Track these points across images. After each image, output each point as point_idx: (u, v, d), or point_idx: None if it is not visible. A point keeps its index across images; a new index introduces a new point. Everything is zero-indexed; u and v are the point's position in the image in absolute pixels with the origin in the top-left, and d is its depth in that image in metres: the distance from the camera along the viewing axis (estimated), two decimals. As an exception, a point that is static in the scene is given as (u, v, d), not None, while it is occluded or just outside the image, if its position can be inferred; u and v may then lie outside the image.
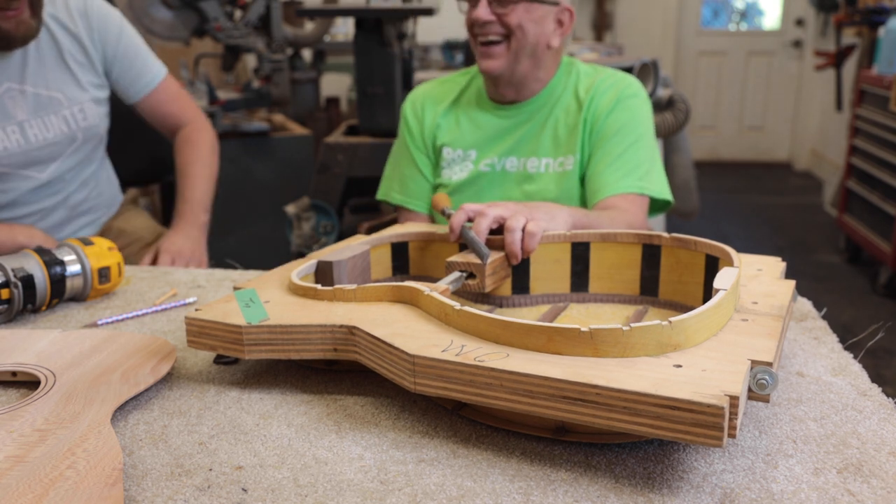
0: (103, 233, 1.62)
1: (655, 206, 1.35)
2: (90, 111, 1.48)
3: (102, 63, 1.50)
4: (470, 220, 0.96)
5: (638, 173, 1.29)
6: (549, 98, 1.37)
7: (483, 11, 1.27)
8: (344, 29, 4.63)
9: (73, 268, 1.03)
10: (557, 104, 1.37)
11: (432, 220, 1.43)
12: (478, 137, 1.39)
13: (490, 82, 1.37)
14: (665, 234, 0.91)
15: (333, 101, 3.57)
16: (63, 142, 1.46)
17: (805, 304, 0.97)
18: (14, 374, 0.78)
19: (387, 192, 1.48)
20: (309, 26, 3.33)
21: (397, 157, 1.48)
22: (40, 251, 1.01)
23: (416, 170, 1.44)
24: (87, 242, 1.06)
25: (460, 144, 1.40)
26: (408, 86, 2.57)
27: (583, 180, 1.34)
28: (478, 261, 0.89)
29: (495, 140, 1.38)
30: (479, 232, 0.92)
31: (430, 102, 1.44)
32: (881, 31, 3.76)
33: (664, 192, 1.32)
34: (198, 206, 1.54)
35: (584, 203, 1.34)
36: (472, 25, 1.31)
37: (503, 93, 1.37)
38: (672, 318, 0.63)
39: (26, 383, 0.79)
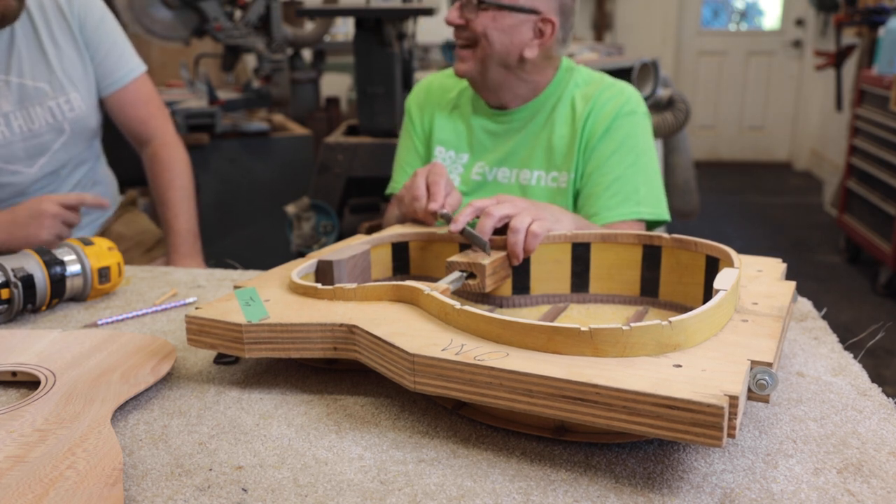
0: (102, 236, 1.60)
1: (653, 222, 1.32)
2: (77, 102, 1.45)
3: (86, 47, 1.45)
4: (476, 217, 0.96)
5: (635, 198, 1.26)
6: (543, 106, 1.33)
7: (452, 15, 1.27)
8: (344, 29, 4.63)
9: (73, 268, 1.03)
10: (553, 113, 1.32)
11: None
12: (470, 141, 1.37)
13: (472, 87, 1.35)
14: (665, 235, 0.91)
15: (333, 101, 3.57)
16: (49, 133, 1.43)
17: (805, 304, 0.97)
18: (14, 374, 0.78)
19: (395, 186, 1.44)
20: (309, 26, 3.33)
21: (402, 150, 1.46)
22: (40, 251, 1.01)
23: (416, 156, 1.43)
24: (87, 242, 1.06)
25: (453, 146, 1.38)
26: (408, 86, 2.57)
27: (576, 198, 1.31)
28: (478, 261, 0.89)
29: (487, 146, 1.36)
30: (484, 232, 0.92)
31: (431, 97, 1.44)
32: (881, 31, 3.76)
33: (661, 213, 1.29)
34: (190, 236, 1.51)
35: None
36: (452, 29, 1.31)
37: (485, 97, 1.35)
38: (672, 318, 0.63)
39: (26, 383, 0.79)
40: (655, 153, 1.33)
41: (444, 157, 1.38)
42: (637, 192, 1.26)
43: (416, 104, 1.45)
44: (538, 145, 1.32)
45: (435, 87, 1.45)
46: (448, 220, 0.98)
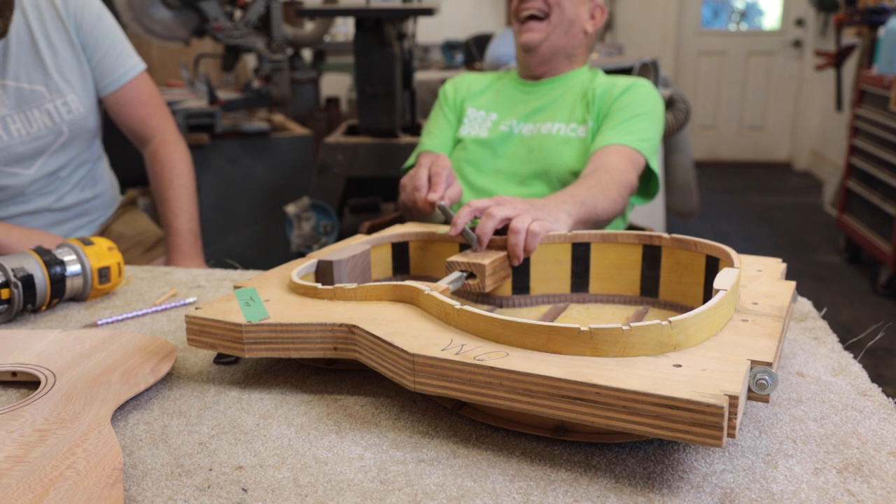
0: (101, 236, 1.59)
1: (644, 191, 1.44)
2: (74, 104, 1.44)
3: (82, 48, 1.45)
4: (475, 217, 0.96)
5: (638, 135, 1.37)
6: (569, 80, 1.50)
7: None
8: (344, 29, 4.63)
9: (73, 268, 1.03)
10: (578, 87, 1.48)
11: None
12: (501, 104, 1.52)
13: (525, 57, 1.48)
14: (665, 235, 0.91)
15: (333, 101, 3.57)
16: (48, 136, 1.43)
17: (805, 304, 0.97)
18: (14, 374, 0.78)
19: (421, 150, 1.54)
20: (309, 26, 3.33)
21: (431, 121, 1.58)
22: (40, 251, 1.01)
23: (445, 121, 1.55)
24: (87, 242, 1.06)
25: (483, 107, 1.53)
26: (408, 86, 2.57)
27: None
28: (478, 261, 0.89)
29: (516, 107, 1.51)
30: (485, 234, 0.92)
31: (466, 80, 1.60)
32: (881, 31, 3.76)
33: (654, 162, 1.40)
34: (190, 235, 1.50)
35: None
36: (518, 1, 1.46)
37: (535, 67, 1.49)
38: (672, 318, 0.63)
39: (26, 383, 0.79)
40: (661, 126, 1.47)
41: (475, 115, 1.52)
42: (642, 132, 1.39)
43: (451, 87, 1.60)
44: (562, 106, 1.48)
45: (470, 76, 1.62)
46: (445, 211, 0.98)
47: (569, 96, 1.48)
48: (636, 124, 1.38)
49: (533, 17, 1.44)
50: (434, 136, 1.54)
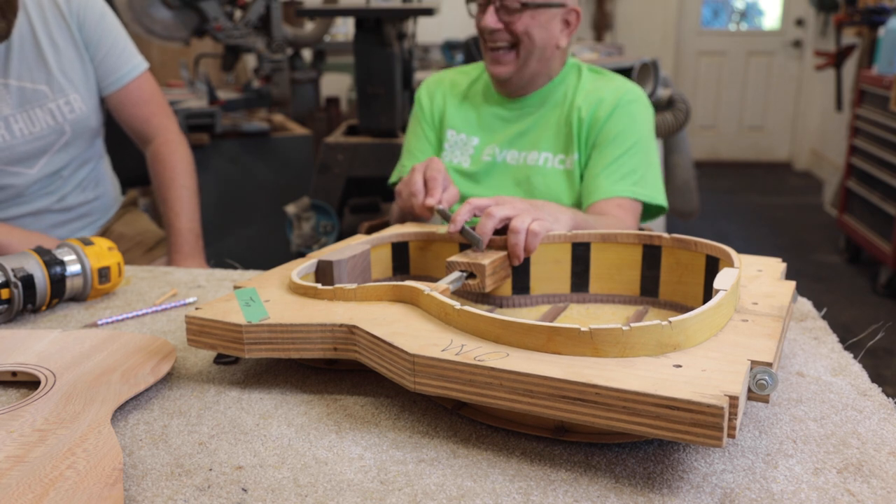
0: (102, 236, 1.60)
1: (650, 211, 1.36)
2: (77, 103, 1.44)
3: (85, 47, 1.45)
4: (475, 216, 0.96)
5: (633, 178, 1.30)
6: (550, 94, 1.40)
7: (490, 20, 1.30)
8: (344, 29, 4.63)
9: (73, 268, 1.03)
10: (562, 100, 1.39)
11: None
12: (481, 126, 1.43)
13: (498, 86, 1.40)
14: (665, 235, 0.91)
15: (333, 101, 3.57)
16: (50, 135, 1.43)
17: (805, 304, 0.97)
18: (14, 374, 0.78)
19: (402, 171, 1.46)
20: (309, 26, 3.33)
21: (411, 137, 1.50)
22: (40, 251, 1.01)
23: (426, 142, 1.47)
24: (87, 242, 1.06)
25: (464, 130, 1.43)
26: (408, 86, 2.57)
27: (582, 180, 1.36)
28: (478, 261, 0.89)
29: (497, 130, 1.41)
30: (485, 233, 0.92)
31: (442, 87, 1.49)
32: (881, 31, 3.76)
33: (657, 197, 1.33)
34: (192, 236, 1.50)
35: None
36: (482, 32, 1.34)
37: (509, 91, 1.40)
38: (672, 318, 0.63)
39: (26, 383, 0.79)
40: (655, 142, 1.38)
41: (456, 139, 1.43)
42: (635, 172, 1.31)
43: (426, 94, 1.49)
44: (546, 129, 1.38)
45: (446, 79, 1.50)
46: (444, 215, 0.98)
47: (552, 116, 1.38)
48: (628, 162, 1.31)
49: (500, 48, 1.32)
50: (416, 157, 1.46)
